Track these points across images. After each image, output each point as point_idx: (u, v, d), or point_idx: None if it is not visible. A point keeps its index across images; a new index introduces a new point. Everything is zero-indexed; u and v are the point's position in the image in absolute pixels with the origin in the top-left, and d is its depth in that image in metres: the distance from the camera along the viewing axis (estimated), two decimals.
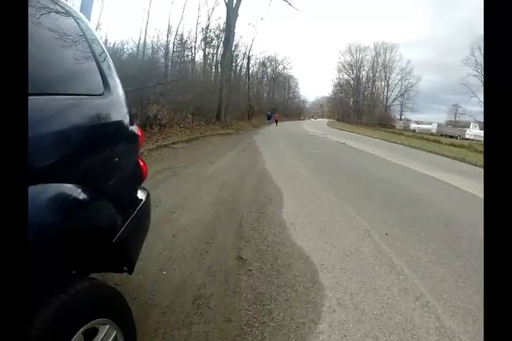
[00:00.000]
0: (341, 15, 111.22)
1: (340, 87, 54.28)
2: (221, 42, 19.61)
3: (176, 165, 5.92)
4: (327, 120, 61.51)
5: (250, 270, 2.09)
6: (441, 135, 30.92)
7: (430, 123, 36.93)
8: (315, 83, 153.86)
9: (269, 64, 44.83)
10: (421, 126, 38.05)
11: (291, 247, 2.49)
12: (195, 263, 2.13)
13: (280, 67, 48.77)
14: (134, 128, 1.36)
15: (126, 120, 1.31)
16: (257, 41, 45.47)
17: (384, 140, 16.91)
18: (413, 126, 38.80)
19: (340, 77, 52.90)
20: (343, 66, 50.98)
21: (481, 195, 4.42)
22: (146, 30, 21.85)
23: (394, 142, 15.80)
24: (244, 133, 16.00)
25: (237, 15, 16.19)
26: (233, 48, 22.49)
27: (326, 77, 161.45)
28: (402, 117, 49.23)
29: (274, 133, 17.91)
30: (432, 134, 30.39)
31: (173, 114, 13.88)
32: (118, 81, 1.34)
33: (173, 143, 8.86)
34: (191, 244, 2.43)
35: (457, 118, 52.94)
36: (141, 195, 1.47)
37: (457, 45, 70.13)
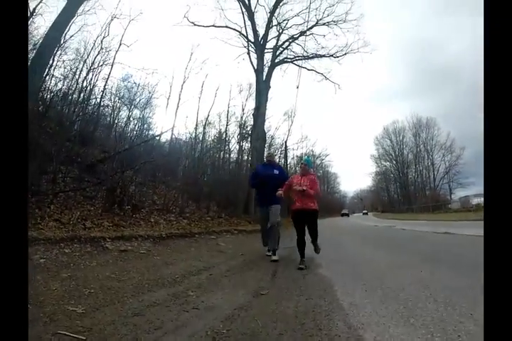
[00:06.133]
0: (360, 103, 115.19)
1: (382, 174, 49.68)
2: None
3: None
4: (371, 213, 53.81)
5: None
6: None
7: None
8: (352, 177, 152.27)
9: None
10: None
11: None
12: None
13: (318, 161, 44.07)
14: None
15: None
16: (293, 131, 44.20)
17: None
18: (476, 200, 30.91)
19: (380, 164, 49.04)
20: (385, 151, 47.38)
21: None
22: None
23: None
24: (284, 232, 10.02)
25: (270, 87, 14.08)
26: (267, 131, 19.63)
27: (362, 170, 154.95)
28: (453, 195, 40.51)
29: (338, 231, 10.42)
30: None
31: (177, 200, 9.21)
32: None
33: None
34: None
35: None
36: None
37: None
